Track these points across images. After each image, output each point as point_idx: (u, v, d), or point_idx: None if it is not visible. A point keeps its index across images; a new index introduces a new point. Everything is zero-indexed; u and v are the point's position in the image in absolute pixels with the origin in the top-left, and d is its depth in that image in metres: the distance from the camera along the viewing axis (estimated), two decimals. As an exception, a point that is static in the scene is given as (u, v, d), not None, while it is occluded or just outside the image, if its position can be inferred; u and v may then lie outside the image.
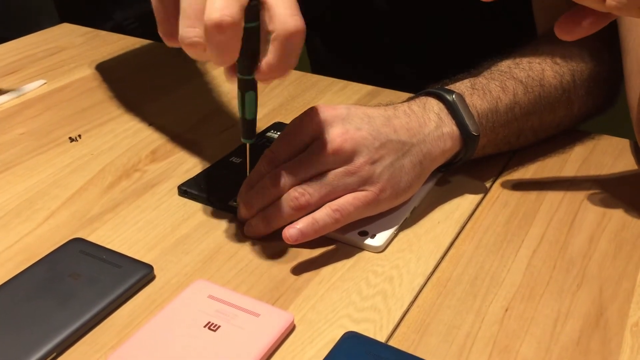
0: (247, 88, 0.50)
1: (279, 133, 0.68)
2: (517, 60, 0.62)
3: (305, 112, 0.54)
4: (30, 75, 0.86)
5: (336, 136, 0.52)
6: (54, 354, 0.43)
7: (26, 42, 0.98)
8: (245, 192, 0.54)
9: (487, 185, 0.60)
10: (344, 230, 0.53)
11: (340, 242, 0.53)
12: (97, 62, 0.90)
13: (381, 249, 0.52)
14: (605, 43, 0.65)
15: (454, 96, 0.56)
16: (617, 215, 0.56)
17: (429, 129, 0.55)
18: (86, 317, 0.45)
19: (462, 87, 0.59)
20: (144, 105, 0.77)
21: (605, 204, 0.57)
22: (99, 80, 0.85)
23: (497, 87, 0.59)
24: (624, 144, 0.66)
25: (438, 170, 0.58)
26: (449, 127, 0.55)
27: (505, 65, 0.62)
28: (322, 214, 0.51)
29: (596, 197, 0.58)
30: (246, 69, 0.48)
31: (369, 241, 0.52)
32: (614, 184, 0.60)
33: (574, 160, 0.64)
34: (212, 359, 0.42)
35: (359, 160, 0.52)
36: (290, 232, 0.51)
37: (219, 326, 0.44)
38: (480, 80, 0.60)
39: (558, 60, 0.63)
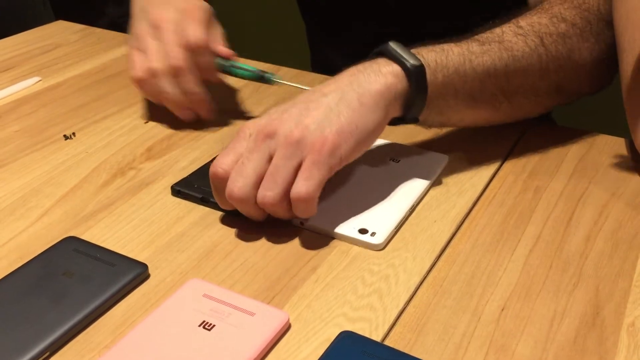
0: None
1: None
2: (480, 29, 0.62)
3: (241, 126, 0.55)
4: (24, 73, 0.86)
5: (262, 122, 0.53)
6: (47, 353, 0.43)
7: (21, 39, 0.97)
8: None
9: (484, 184, 0.60)
10: (343, 228, 0.53)
11: (338, 240, 0.53)
12: (92, 60, 0.90)
13: (381, 247, 0.52)
14: (592, 15, 0.64)
15: (391, 43, 0.56)
16: (614, 215, 0.56)
17: (365, 73, 0.55)
18: (80, 315, 0.45)
19: (417, 48, 0.59)
20: (139, 103, 0.77)
21: (602, 203, 0.57)
22: (94, 77, 0.84)
23: (450, 42, 0.59)
24: (620, 143, 0.66)
25: (401, 121, 0.58)
26: (389, 66, 0.55)
27: (467, 34, 0.62)
28: (295, 202, 0.51)
29: (593, 196, 0.58)
30: None
31: (369, 239, 0.52)
32: (610, 183, 0.60)
33: (570, 159, 0.64)
34: (207, 359, 0.41)
35: (287, 132, 0.51)
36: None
37: (214, 325, 0.44)
38: (433, 42, 0.60)
39: (522, 24, 0.61)
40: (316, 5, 0.98)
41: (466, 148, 0.65)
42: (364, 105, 0.53)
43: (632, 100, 0.59)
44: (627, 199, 0.58)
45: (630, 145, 0.65)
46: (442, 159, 0.62)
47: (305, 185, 0.50)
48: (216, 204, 0.57)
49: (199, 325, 0.44)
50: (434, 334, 0.44)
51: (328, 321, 0.45)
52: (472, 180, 0.61)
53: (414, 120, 0.59)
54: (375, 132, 0.55)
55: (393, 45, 0.57)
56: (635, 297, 0.47)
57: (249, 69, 0.70)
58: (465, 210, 0.57)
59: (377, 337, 0.44)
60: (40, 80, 0.83)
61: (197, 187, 0.59)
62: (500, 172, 0.62)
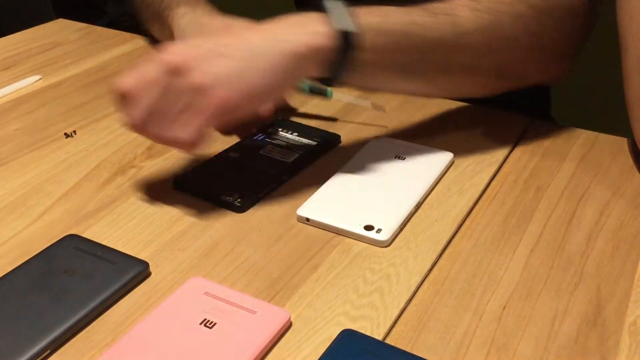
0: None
1: (281, 130, 0.68)
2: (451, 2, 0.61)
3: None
4: (25, 71, 0.86)
5: (174, 53, 0.52)
6: (48, 351, 0.43)
7: (21, 37, 0.97)
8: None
9: (485, 183, 0.60)
10: (349, 224, 0.53)
11: (343, 236, 0.53)
12: (92, 58, 0.90)
13: (387, 244, 0.52)
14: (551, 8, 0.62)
15: (331, 1, 0.55)
16: (615, 214, 0.56)
17: (292, 29, 0.54)
18: (81, 313, 0.45)
19: (358, 8, 0.57)
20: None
21: (603, 202, 0.57)
22: (95, 76, 0.84)
23: (398, 10, 0.58)
24: (622, 142, 0.66)
25: (329, 80, 0.57)
26: (318, 26, 0.54)
27: (431, 5, 0.60)
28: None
29: (594, 195, 0.58)
30: None
31: (374, 235, 0.52)
32: (612, 182, 0.60)
33: (572, 159, 0.64)
34: (208, 357, 0.41)
35: (190, 76, 0.51)
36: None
37: (215, 323, 0.44)
38: (388, 5, 0.59)
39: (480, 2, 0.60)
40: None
41: (467, 147, 0.65)
42: (274, 66, 0.53)
43: (634, 98, 0.59)
44: (629, 199, 0.57)
45: (632, 145, 0.65)
46: (448, 157, 0.63)
47: (184, 132, 0.53)
48: (216, 198, 0.57)
49: (200, 324, 0.44)
50: (436, 332, 0.44)
51: (329, 320, 0.45)
52: (473, 179, 0.61)
53: (341, 83, 0.58)
54: (280, 91, 0.56)
55: (332, 3, 0.55)
56: (637, 297, 0.47)
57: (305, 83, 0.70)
58: (467, 209, 0.57)
59: (378, 335, 0.44)
60: (41, 79, 0.83)
61: (199, 182, 0.59)
62: (502, 172, 0.62)
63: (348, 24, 0.54)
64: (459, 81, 0.63)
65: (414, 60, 0.59)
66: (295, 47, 0.53)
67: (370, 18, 0.56)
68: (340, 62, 0.55)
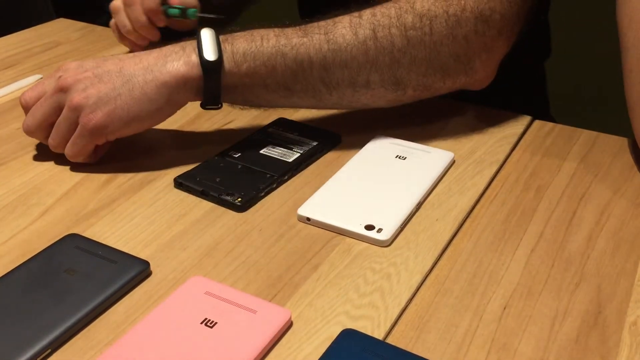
0: None
1: (282, 129, 0.68)
2: (332, 15, 0.63)
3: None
4: (26, 70, 0.86)
5: (67, 71, 0.61)
6: (49, 350, 0.43)
7: (22, 36, 0.97)
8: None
9: (485, 183, 0.60)
10: (350, 224, 0.53)
11: (344, 236, 0.53)
12: (93, 57, 0.89)
13: (387, 243, 0.52)
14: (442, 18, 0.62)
15: (203, 31, 0.60)
16: (616, 214, 0.56)
17: (166, 61, 0.60)
18: (82, 313, 0.45)
19: (235, 33, 0.62)
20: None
21: (604, 202, 0.57)
22: (96, 75, 0.84)
23: (274, 30, 0.61)
24: (622, 142, 0.66)
25: (208, 103, 0.62)
26: (188, 56, 0.60)
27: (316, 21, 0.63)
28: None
29: (594, 195, 0.58)
30: None
31: (375, 235, 0.52)
32: (612, 182, 0.60)
33: (572, 159, 0.64)
34: (209, 356, 0.41)
35: (72, 95, 0.59)
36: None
37: (216, 323, 0.44)
38: (266, 30, 0.62)
39: (364, 16, 0.61)
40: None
41: (467, 147, 0.65)
42: (145, 94, 0.59)
43: (635, 99, 0.59)
44: (629, 198, 0.58)
45: (632, 145, 0.65)
46: (448, 157, 0.63)
47: (70, 149, 0.61)
48: (217, 197, 0.57)
49: (201, 323, 0.44)
50: (436, 332, 0.44)
51: (330, 319, 0.45)
52: (473, 179, 0.61)
53: (216, 106, 0.63)
54: (153, 118, 0.61)
55: (204, 33, 0.60)
56: (638, 297, 0.47)
57: (177, 7, 0.81)
58: (467, 209, 0.57)
59: (379, 335, 0.44)
60: (42, 78, 0.83)
61: (199, 181, 0.59)
62: (502, 171, 0.62)
63: (210, 53, 0.59)
64: (351, 95, 0.64)
65: (290, 79, 0.62)
66: (166, 78, 0.59)
67: (242, 44, 0.61)
68: (208, 87, 0.61)
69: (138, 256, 0.50)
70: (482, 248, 0.52)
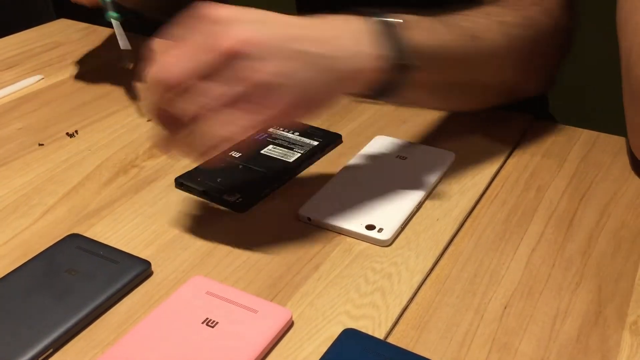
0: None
1: (282, 129, 0.68)
2: (463, 13, 0.60)
3: (194, 12, 0.47)
4: (27, 71, 0.86)
5: (232, 37, 0.45)
6: (51, 350, 0.43)
7: (23, 37, 0.97)
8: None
9: (486, 183, 0.60)
10: (350, 224, 0.53)
11: (345, 236, 0.53)
12: (94, 58, 0.90)
13: (388, 243, 0.52)
14: (554, 21, 0.64)
15: (393, 21, 0.52)
16: (616, 214, 0.56)
17: (353, 47, 0.50)
18: (83, 313, 0.45)
19: (407, 17, 0.54)
20: (141, 100, 0.77)
21: (604, 202, 0.57)
22: (97, 75, 0.84)
23: (442, 27, 0.56)
24: (622, 142, 0.66)
25: (369, 97, 0.54)
26: (375, 47, 0.50)
27: (448, 15, 0.59)
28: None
29: (595, 195, 0.58)
30: None
31: (376, 235, 0.52)
32: (612, 182, 0.60)
33: (572, 159, 0.64)
34: (210, 356, 0.41)
35: (261, 68, 0.45)
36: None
37: (217, 322, 0.44)
38: (427, 19, 0.56)
39: (492, 16, 0.61)
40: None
41: (468, 147, 0.65)
42: (333, 83, 0.49)
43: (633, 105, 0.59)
44: (630, 198, 0.58)
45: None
46: (449, 156, 0.63)
47: (230, 131, 0.46)
48: (218, 197, 0.57)
49: (202, 323, 0.44)
50: (437, 332, 0.44)
51: (331, 319, 0.45)
52: (474, 179, 0.61)
53: (380, 100, 0.55)
54: (327, 106, 0.51)
55: (385, 23, 0.51)
56: (638, 296, 0.47)
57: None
58: (468, 208, 0.57)
59: (380, 334, 0.44)
60: (43, 79, 0.83)
61: (200, 181, 0.59)
62: (503, 171, 0.62)
63: (404, 49, 0.51)
64: (473, 99, 0.64)
65: (454, 77, 0.59)
66: (352, 70, 0.50)
67: (421, 35, 0.53)
68: (390, 84, 0.53)
69: (139, 256, 0.50)
70: (482, 248, 0.52)
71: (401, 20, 0.53)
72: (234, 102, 0.45)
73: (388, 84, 0.52)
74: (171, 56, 0.45)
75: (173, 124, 0.47)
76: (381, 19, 0.51)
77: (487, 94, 0.64)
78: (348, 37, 0.50)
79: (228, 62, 0.45)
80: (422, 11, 0.57)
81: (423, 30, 0.54)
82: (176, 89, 0.45)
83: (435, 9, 0.58)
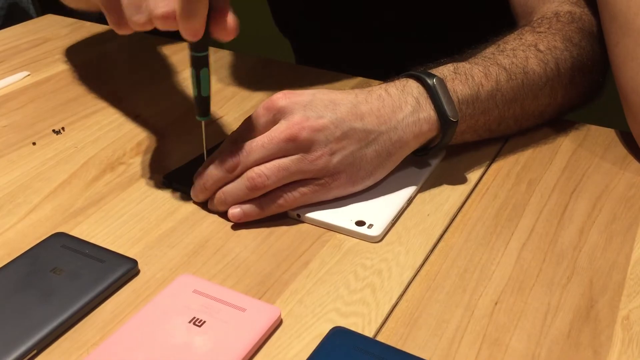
0: (202, 65, 0.52)
1: None
2: (501, 47, 0.62)
3: (271, 97, 0.54)
4: (13, 67, 0.85)
5: (294, 124, 0.51)
6: (35, 351, 0.42)
7: (9, 33, 0.96)
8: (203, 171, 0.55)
9: (477, 177, 0.60)
10: (340, 220, 0.53)
11: (335, 232, 0.53)
12: (81, 54, 0.89)
13: (378, 239, 0.52)
14: (591, 34, 0.65)
15: (434, 80, 0.55)
16: (608, 207, 0.55)
17: (404, 114, 0.54)
18: (68, 312, 0.44)
19: (444, 71, 0.58)
20: (129, 97, 0.76)
21: (596, 195, 0.57)
22: (84, 72, 0.83)
23: (480, 72, 0.58)
24: (614, 134, 0.66)
25: (414, 154, 0.58)
26: (427, 112, 0.54)
27: (489, 52, 0.61)
28: (268, 201, 0.53)
29: (586, 188, 0.58)
30: (200, 46, 0.50)
31: (366, 231, 0.52)
32: (604, 175, 0.60)
33: (564, 152, 0.63)
34: (197, 355, 0.41)
35: (317, 151, 0.52)
36: (234, 211, 0.53)
37: (205, 321, 0.43)
38: (464, 65, 0.58)
39: (542, 48, 0.62)
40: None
41: (459, 141, 0.65)
42: (391, 156, 0.55)
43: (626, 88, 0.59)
44: (621, 191, 0.57)
45: (623, 137, 0.65)
46: (439, 151, 0.62)
47: (287, 204, 0.53)
48: None
49: (190, 322, 0.43)
50: (427, 328, 0.44)
51: (320, 316, 0.45)
52: (465, 173, 0.60)
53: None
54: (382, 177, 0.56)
55: (437, 83, 0.55)
56: (630, 290, 0.47)
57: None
58: (459, 203, 0.56)
59: (369, 332, 0.43)
60: (29, 75, 0.82)
61: (188, 178, 0.58)
62: (494, 165, 0.62)
63: (452, 111, 0.54)
64: (525, 126, 0.65)
65: (494, 124, 0.61)
66: (409, 137, 0.54)
67: (464, 90, 0.57)
68: (436, 146, 0.57)
69: (126, 254, 0.50)
70: (473, 243, 0.52)
71: (446, 77, 0.56)
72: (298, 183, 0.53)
73: (439, 139, 0.56)
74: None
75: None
76: (432, 80, 0.55)
77: (537, 118, 0.65)
78: (407, 108, 0.54)
79: (291, 145, 0.52)
80: (462, 54, 0.61)
81: (462, 82, 0.57)
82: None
83: (480, 44, 0.62)
